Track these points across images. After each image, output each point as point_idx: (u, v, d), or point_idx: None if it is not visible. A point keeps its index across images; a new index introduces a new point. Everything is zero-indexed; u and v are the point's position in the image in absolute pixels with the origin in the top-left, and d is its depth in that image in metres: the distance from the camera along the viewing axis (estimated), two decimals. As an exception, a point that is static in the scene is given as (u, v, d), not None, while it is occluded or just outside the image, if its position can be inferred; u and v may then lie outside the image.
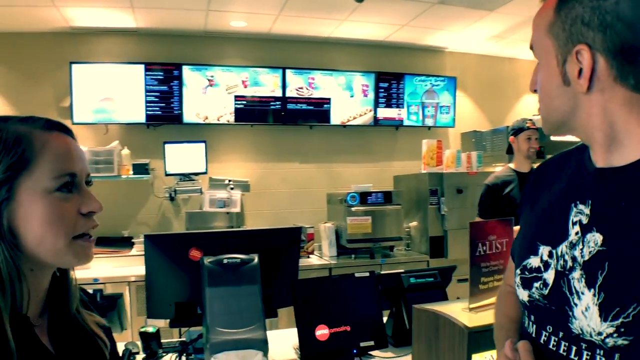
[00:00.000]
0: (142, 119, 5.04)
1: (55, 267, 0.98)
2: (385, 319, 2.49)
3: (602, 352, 0.89)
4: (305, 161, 5.72)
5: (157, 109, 5.06)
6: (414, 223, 5.25)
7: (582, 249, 0.93)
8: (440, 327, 1.72)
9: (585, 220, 0.94)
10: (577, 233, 0.95)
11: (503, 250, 1.89)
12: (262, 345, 1.75)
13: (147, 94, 5.03)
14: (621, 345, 0.86)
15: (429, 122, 6.02)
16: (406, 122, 5.94)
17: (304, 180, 5.70)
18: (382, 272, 2.48)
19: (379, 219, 4.88)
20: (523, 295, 1.07)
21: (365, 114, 5.76)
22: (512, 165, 3.91)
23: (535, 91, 1.04)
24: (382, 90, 5.80)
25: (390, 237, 4.93)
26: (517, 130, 3.81)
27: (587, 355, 0.91)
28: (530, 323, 1.06)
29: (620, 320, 0.85)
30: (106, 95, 4.95)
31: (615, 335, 0.86)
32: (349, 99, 5.69)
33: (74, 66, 4.88)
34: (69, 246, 0.92)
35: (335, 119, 5.64)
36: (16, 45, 4.98)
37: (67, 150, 0.94)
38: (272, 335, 2.53)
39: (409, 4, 4.73)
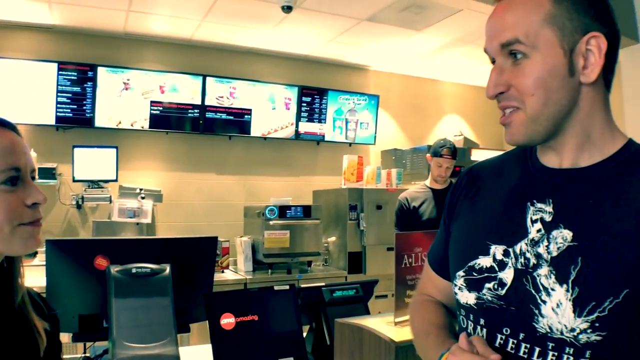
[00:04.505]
0: (51, 121, 5.04)
1: (3, 255, 1.07)
2: (304, 334, 2.50)
3: (571, 350, 0.93)
4: (223, 172, 5.89)
5: (68, 110, 5.08)
6: (333, 238, 5.52)
7: (547, 246, 0.98)
8: (365, 342, 1.74)
9: (548, 218, 1.00)
10: (539, 230, 1.00)
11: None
12: (174, 362, 1.70)
13: (59, 94, 5.04)
14: (594, 342, 0.90)
15: (351, 138, 6.38)
16: (328, 138, 6.26)
17: (220, 192, 5.84)
18: (303, 286, 2.49)
19: (298, 234, 5.10)
20: (468, 298, 1.09)
21: (286, 127, 6.02)
22: (427, 182, 4.27)
23: (498, 95, 1.03)
24: (305, 104, 6.09)
25: (308, 252, 5.16)
26: (433, 153, 4.14)
27: (553, 355, 0.95)
28: (479, 327, 1.07)
29: (596, 314, 0.90)
30: (14, 93, 4.93)
31: (589, 330, 0.90)
32: (270, 111, 5.93)
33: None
34: (15, 232, 1.02)
35: (256, 130, 5.85)
36: None
37: (10, 145, 1.04)
38: (183, 352, 2.44)
39: (338, 19, 5.04)
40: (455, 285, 1.13)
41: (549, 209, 1.01)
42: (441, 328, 1.18)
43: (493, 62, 1.05)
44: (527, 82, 0.98)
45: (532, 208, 1.03)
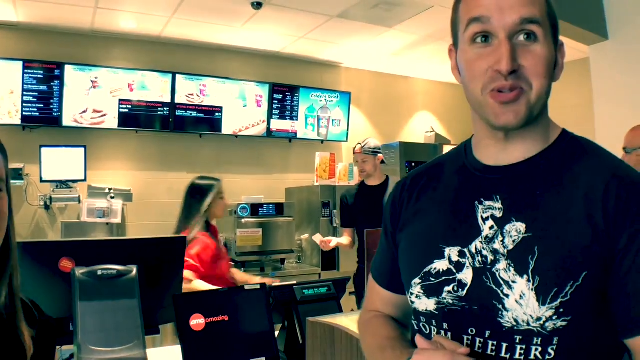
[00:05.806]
0: (17, 120, 4.97)
1: None
2: (277, 333, 2.52)
3: (539, 340, 0.93)
4: (194, 171, 5.84)
5: (35, 110, 5.00)
6: (306, 235, 5.54)
7: (502, 241, 0.99)
8: (337, 341, 1.73)
9: (499, 214, 1.01)
10: (491, 227, 1.01)
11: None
12: (142, 365, 1.70)
13: (25, 93, 4.95)
14: (560, 327, 0.92)
15: (323, 135, 6.42)
16: (300, 135, 6.28)
17: (192, 191, 5.80)
18: (274, 284, 2.49)
19: (270, 231, 5.13)
20: (428, 304, 1.08)
21: (258, 124, 6.02)
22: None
23: (514, 72, 0.97)
24: (277, 101, 6.10)
25: (281, 249, 5.20)
26: None
27: (521, 349, 0.95)
28: (443, 332, 1.05)
29: (559, 300, 0.91)
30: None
31: (555, 317, 0.92)
32: (241, 108, 5.92)
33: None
34: None
35: (227, 128, 5.83)
36: None
37: None
38: (154, 354, 2.35)
39: (308, 16, 5.06)
40: (412, 294, 1.12)
41: (498, 205, 1.02)
42: (396, 340, 1.15)
43: (474, 39, 1.02)
44: (540, 65, 0.99)
45: (480, 207, 1.04)
